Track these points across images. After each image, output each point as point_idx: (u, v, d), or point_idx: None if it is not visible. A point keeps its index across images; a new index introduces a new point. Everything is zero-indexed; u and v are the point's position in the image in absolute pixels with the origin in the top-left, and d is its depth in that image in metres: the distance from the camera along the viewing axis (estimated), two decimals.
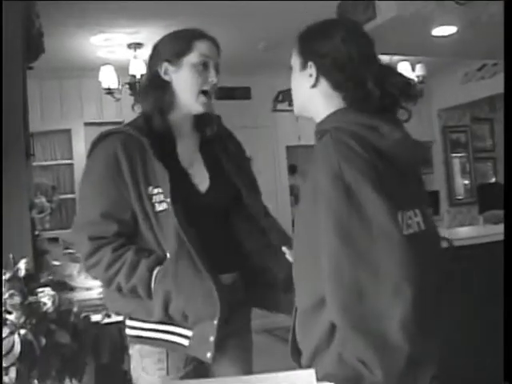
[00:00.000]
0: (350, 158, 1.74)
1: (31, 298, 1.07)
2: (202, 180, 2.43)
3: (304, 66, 1.97)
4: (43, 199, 7.26)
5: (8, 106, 2.96)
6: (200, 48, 2.42)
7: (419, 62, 7.41)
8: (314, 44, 1.96)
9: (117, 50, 7.02)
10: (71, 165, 7.82)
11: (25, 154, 3.11)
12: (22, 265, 1.12)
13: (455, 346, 4.30)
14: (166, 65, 2.39)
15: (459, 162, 10.12)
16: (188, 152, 2.46)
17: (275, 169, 8.86)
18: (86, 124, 7.86)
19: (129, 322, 2.38)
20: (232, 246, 2.48)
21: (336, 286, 1.70)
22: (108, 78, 6.74)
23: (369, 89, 1.88)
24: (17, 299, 1.06)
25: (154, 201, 2.26)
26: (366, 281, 1.67)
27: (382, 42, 4.99)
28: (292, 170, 9.18)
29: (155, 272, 2.23)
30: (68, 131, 7.90)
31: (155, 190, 2.26)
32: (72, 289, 3.48)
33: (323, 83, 1.94)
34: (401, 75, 1.96)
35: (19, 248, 2.90)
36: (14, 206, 3.00)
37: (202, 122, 2.53)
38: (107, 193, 2.30)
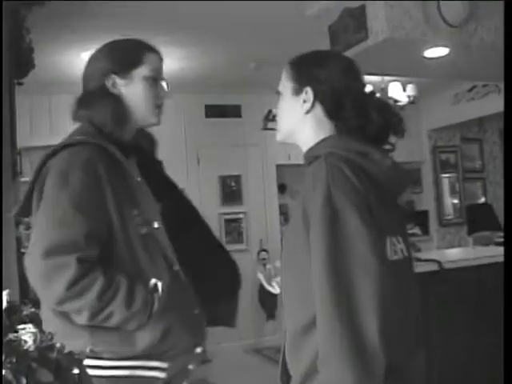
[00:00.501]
0: (341, 184, 1.75)
1: (11, 336, 1.02)
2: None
3: (298, 92, 1.97)
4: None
5: None
6: (150, 61, 2.30)
7: (410, 83, 7.42)
8: (313, 70, 1.97)
9: None
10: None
11: (12, 172, 3.07)
12: (5, 296, 1.08)
13: (445, 364, 4.29)
14: (113, 77, 2.25)
15: (448, 182, 10.12)
16: (136, 173, 2.27)
17: (265, 187, 8.83)
18: None
19: (98, 362, 2.06)
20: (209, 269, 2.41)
21: (324, 310, 1.70)
22: None
23: (362, 119, 1.91)
24: None
25: (136, 222, 2.12)
26: (351, 305, 1.66)
27: (374, 62, 5.05)
28: (282, 188, 9.16)
29: (151, 300, 2.06)
30: None
31: (136, 211, 2.13)
32: None
33: (318, 110, 1.96)
34: (393, 110, 1.98)
35: (5, 268, 2.84)
36: None
37: (140, 140, 2.41)
38: (88, 210, 2.06)
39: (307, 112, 1.96)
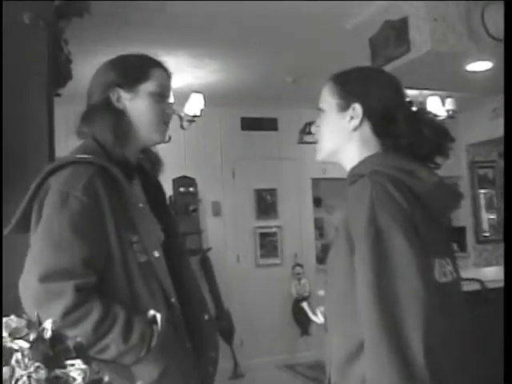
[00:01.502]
0: (385, 203, 1.71)
1: (58, 372, 0.94)
2: (157, 231, 2.20)
3: (344, 108, 1.93)
4: None
5: (33, 135, 2.90)
6: (157, 77, 2.22)
7: (449, 97, 7.30)
8: (360, 86, 1.93)
9: None
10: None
11: None
12: (49, 324, 1.00)
13: None
14: (118, 91, 2.17)
15: (485, 198, 9.95)
16: (140, 196, 2.21)
17: (300, 201, 8.76)
18: None
19: None
20: (193, 301, 2.26)
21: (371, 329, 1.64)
22: None
23: (413, 137, 1.86)
24: (42, 373, 0.94)
25: (135, 249, 2.01)
26: (399, 330, 1.61)
27: (415, 76, 4.95)
28: (317, 202, 9.12)
29: (150, 332, 1.94)
30: None
31: (135, 238, 2.02)
32: None
33: (365, 127, 1.92)
34: (445, 129, 1.92)
35: None
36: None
37: (145, 161, 2.33)
38: (88, 235, 1.95)
39: (354, 129, 1.91)
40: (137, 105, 2.17)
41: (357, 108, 1.90)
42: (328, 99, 1.97)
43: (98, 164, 2.02)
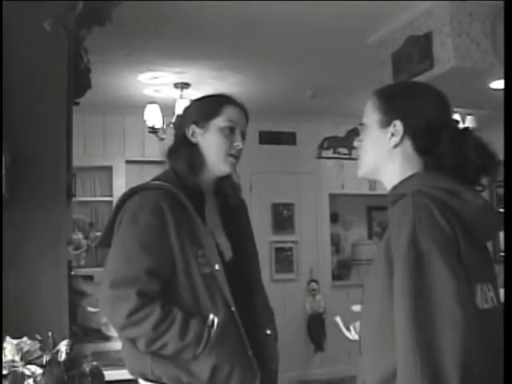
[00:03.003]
0: (427, 225, 1.66)
1: None
2: (225, 248, 2.45)
3: (385, 124, 1.88)
4: (80, 236, 7.20)
5: (52, 143, 2.89)
6: (228, 113, 2.46)
7: (470, 114, 7.23)
8: (404, 102, 1.88)
9: (163, 89, 6.97)
10: (110, 202, 7.66)
11: (66, 193, 3.01)
12: (63, 347, 0.96)
13: None
14: (193, 127, 2.45)
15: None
16: (212, 217, 2.48)
17: (317, 216, 8.71)
18: (128, 162, 7.84)
19: None
20: (259, 315, 2.52)
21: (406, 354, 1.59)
22: (153, 116, 6.66)
23: (459, 157, 1.81)
24: None
25: (199, 262, 2.28)
26: (434, 358, 1.55)
27: None
28: (334, 218, 9.07)
29: (206, 333, 2.23)
30: (109, 168, 7.86)
31: (200, 252, 2.29)
32: (107, 338, 3.34)
33: (406, 144, 1.87)
34: (491, 150, 1.86)
35: (55, 294, 2.81)
36: (51, 248, 2.91)
37: (224, 187, 2.58)
38: (153, 248, 2.26)
39: (395, 146, 1.87)
40: (207, 138, 2.44)
41: (398, 125, 1.86)
42: (370, 114, 1.93)
43: (166, 189, 2.32)
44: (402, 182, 1.85)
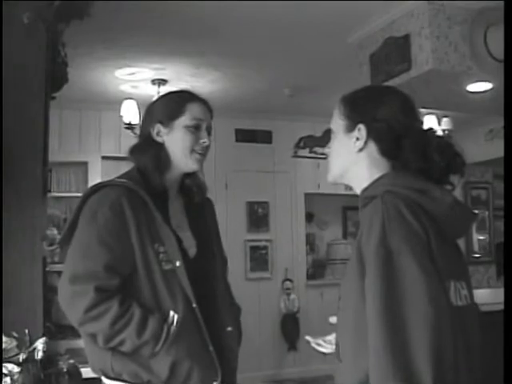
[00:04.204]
0: (397, 224, 1.66)
1: None
2: (189, 245, 2.45)
3: (350, 129, 1.91)
4: (55, 231, 7.14)
5: (29, 138, 2.86)
6: (192, 110, 2.46)
7: (445, 116, 7.29)
8: (367, 107, 1.91)
9: (141, 85, 6.94)
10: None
11: (42, 189, 2.98)
12: (40, 345, 0.95)
13: None
14: (158, 126, 2.45)
15: (478, 219, 9.93)
16: (176, 215, 2.49)
17: (292, 216, 8.72)
18: (104, 158, 7.77)
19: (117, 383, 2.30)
20: (221, 312, 2.50)
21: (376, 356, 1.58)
22: (130, 112, 6.62)
23: (422, 161, 1.83)
24: None
25: (160, 259, 2.29)
26: (406, 357, 1.54)
27: (415, 94, 4.91)
28: (309, 217, 9.08)
29: (165, 330, 2.23)
30: (85, 164, 7.79)
31: (161, 249, 2.30)
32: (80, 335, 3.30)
33: (371, 147, 1.89)
34: (455, 150, 1.88)
35: (30, 290, 2.78)
36: (26, 243, 2.89)
37: (189, 185, 2.58)
38: (111, 245, 2.27)
39: (360, 150, 1.89)
40: (172, 137, 2.44)
41: (361, 129, 1.88)
42: (337, 120, 1.96)
43: (126, 186, 2.33)
44: (371, 184, 1.86)
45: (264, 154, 8.55)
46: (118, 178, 2.41)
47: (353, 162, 1.91)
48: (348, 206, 9.32)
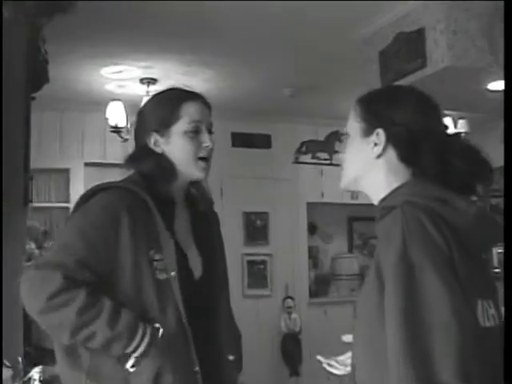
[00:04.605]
0: (418, 237, 1.66)
1: None
2: (195, 265, 2.44)
3: (367, 133, 1.91)
4: (33, 245, 7.09)
5: (8, 142, 2.83)
6: (189, 112, 2.42)
7: (462, 118, 7.27)
8: (385, 109, 1.90)
9: (128, 85, 6.93)
10: (67, 208, 7.53)
11: (23, 198, 2.96)
12: (36, 374, 0.92)
13: None
14: (155, 136, 2.41)
15: None
16: (182, 229, 2.47)
17: (293, 227, 8.70)
18: (87, 164, 7.76)
19: None
20: (220, 338, 2.49)
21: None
22: (116, 114, 6.60)
23: (442, 166, 1.83)
24: None
25: (154, 266, 2.26)
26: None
27: (431, 93, 4.89)
28: (312, 229, 9.07)
29: (147, 334, 2.19)
30: (66, 171, 7.78)
31: (157, 256, 2.28)
32: None
33: (390, 154, 1.88)
34: (481, 156, 1.87)
35: (9, 311, 2.74)
36: (7, 257, 2.86)
37: (194, 196, 2.57)
38: (91, 242, 2.24)
39: (378, 156, 1.89)
40: (171, 146, 2.40)
41: (380, 133, 1.88)
42: (352, 122, 1.95)
43: (128, 189, 2.32)
44: (390, 193, 1.86)
45: (262, 160, 8.54)
46: (120, 181, 2.41)
47: (369, 169, 1.91)
48: (354, 216, 9.32)
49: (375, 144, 1.88)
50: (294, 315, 8.33)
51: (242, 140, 8.51)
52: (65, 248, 2.25)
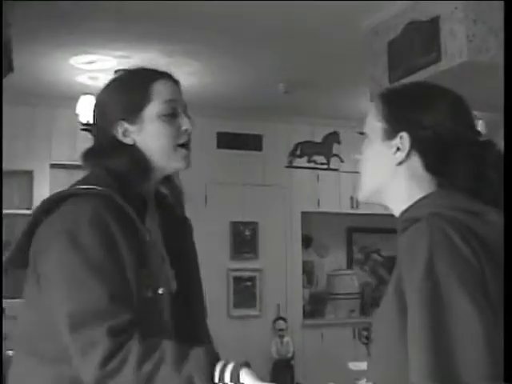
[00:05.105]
0: (446, 252, 1.67)
1: None
2: (168, 277, 2.34)
3: (390, 136, 1.90)
4: None
5: None
6: (160, 93, 2.29)
7: (479, 119, 7.24)
8: (412, 110, 1.91)
9: (101, 77, 6.82)
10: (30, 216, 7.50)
11: None
12: None
13: None
14: (123, 125, 2.28)
15: None
16: (154, 232, 2.34)
17: (286, 240, 8.68)
18: (53, 166, 7.72)
19: None
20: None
21: None
22: (88, 110, 6.51)
23: (474, 178, 1.84)
24: None
25: (144, 283, 2.14)
26: None
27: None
28: (307, 242, 9.05)
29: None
30: (29, 173, 7.73)
31: (144, 271, 2.15)
32: None
33: (414, 161, 1.88)
34: None
35: None
36: None
37: (164, 194, 2.48)
38: (107, 270, 2.07)
39: (399, 163, 1.89)
40: (146, 136, 2.28)
41: (404, 137, 1.86)
42: (373, 122, 1.94)
43: (103, 195, 2.15)
44: (413, 204, 1.86)
45: (252, 164, 8.51)
46: (83, 183, 2.23)
47: (390, 177, 1.91)
48: (353, 227, 9.33)
49: (398, 149, 1.87)
50: (286, 339, 8.30)
51: (228, 141, 8.48)
52: (84, 291, 2.05)
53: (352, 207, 8.50)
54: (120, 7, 5.12)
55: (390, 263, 9.41)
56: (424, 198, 1.84)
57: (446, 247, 1.67)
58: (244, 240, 8.46)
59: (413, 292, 1.65)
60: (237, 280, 8.35)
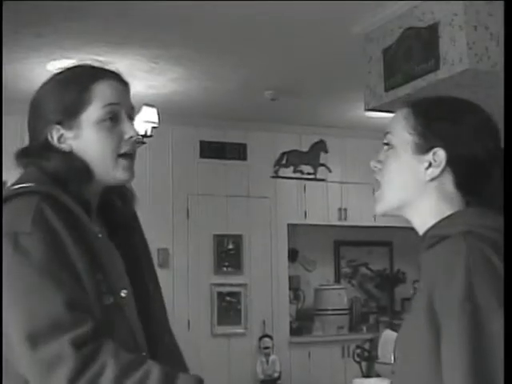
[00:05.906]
0: (485, 273, 1.67)
1: None
2: (125, 276, 2.21)
3: (422, 150, 1.88)
4: None
5: None
6: (102, 94, 2.15)
7: None
8: (449, 126, 1.88)
9: None
10: None
11: None
12: None
13: None
14: (58, 130, 2.14)
15: None
16: (94, 226, 2.21)
17: (272, 253, 8.66)
18: None
19: None
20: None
21: None
22: None
23: (500, 191, 1.83)
24: None
25: (101, 289, 2.03)
26: None
27: None
28: (293, 255, 9.02)
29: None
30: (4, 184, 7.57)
31: (99, 276, 2.04)
32: None
33: (446, 178, 1.87)
34: None
35: None
36: None
37: (112, 198, 2.32)
38: (58, 275, 1.95)
39: (431, 179, 1.86)
40: (83, 142, 2.16)
41: (439, 154, 1.85)
42: (403, 133, 1.91)
43: (44, 192, 2.02)
44: (441, 221, 1.84)
45: (236, 174, 8.49)
46: (19, 182, 2.08)
47: (418, 193, 1.90)
48: (341, 240, 9.33)
49: (430, 164, 1.85)
50: (272, 357, 8.27)
51: (212, 150, 8.45)
52: (36, 301, 1.93)
53: (340, 219, 8.50)
54: (101, 8, 5.11)
55: (379, 277, 9.42)
56: (453, 215, 1.83)
57: (486, 269, 1.66)
58: (228, 254, 8.43)
59: (450, 314, 1.64)
60: (220, 296, 8.31)
